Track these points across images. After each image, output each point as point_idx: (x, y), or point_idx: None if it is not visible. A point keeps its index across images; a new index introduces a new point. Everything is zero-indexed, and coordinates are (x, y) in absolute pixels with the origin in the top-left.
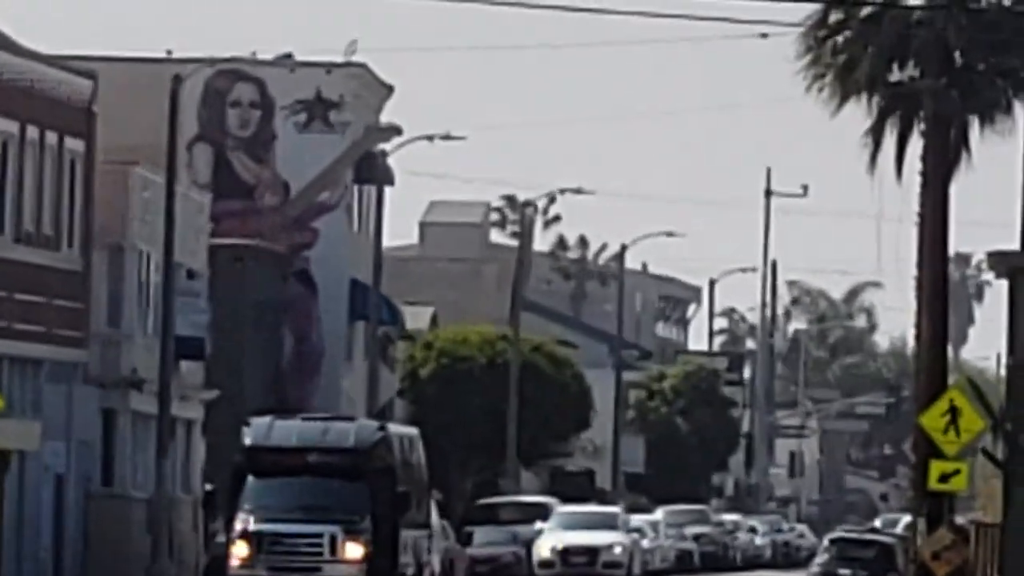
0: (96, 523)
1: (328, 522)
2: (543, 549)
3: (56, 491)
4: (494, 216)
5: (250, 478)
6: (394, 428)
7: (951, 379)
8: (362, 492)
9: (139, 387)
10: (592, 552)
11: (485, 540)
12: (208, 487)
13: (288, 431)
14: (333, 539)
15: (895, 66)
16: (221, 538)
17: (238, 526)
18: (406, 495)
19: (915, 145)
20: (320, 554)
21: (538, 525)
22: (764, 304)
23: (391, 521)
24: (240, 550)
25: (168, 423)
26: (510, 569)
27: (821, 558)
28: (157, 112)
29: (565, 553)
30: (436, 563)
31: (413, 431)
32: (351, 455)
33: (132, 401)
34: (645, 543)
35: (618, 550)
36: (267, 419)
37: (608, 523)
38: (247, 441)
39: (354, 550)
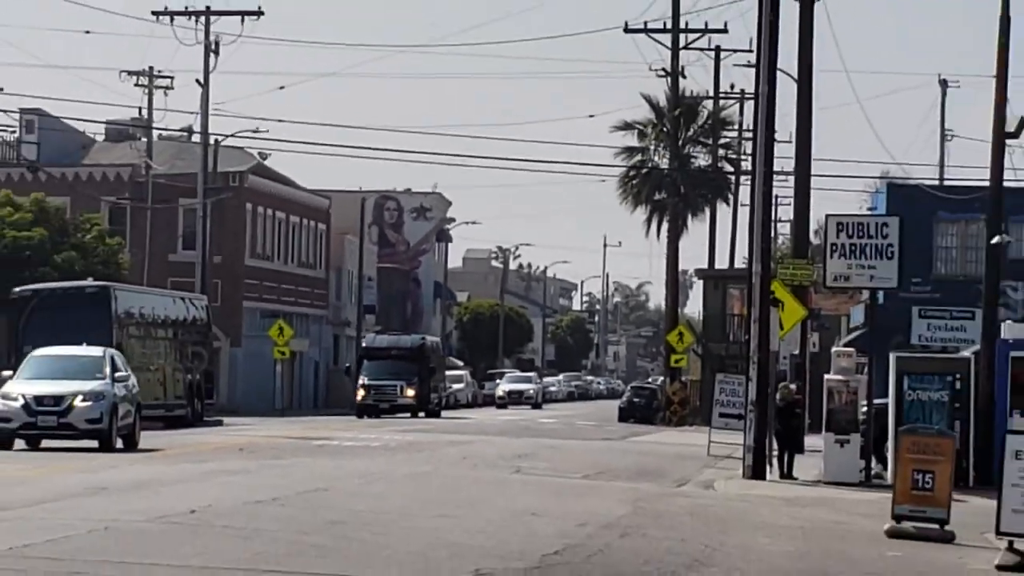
0: (328, 381)
1: (399, 379)
2: (499, 391)
3: (315, 368)
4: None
5: (365, 360)
6: (429, 338)
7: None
8: (413, 366)
9: (348, 325)
10: (519, 393)
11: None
12: (347, 365)
13: (382, 339)
14: (401, 387)
15: (656, 193)
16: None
17: (360, 382)
18: (433, 368)
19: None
20: (396, 393)
21: (497, 381)
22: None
23: (427, 379)
24: (361, 392)
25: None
26: (523, 394)
27: (626, 394)
28: (355, 213)
29: (510, 393)
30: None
31: (437, 339)
32: (409, 350)
33: (345, 332)
34: (552, 388)
35: (531, 391)
36: (373, 334)
37: (527, 379)
38: (364, 344)
39: (410, 392)
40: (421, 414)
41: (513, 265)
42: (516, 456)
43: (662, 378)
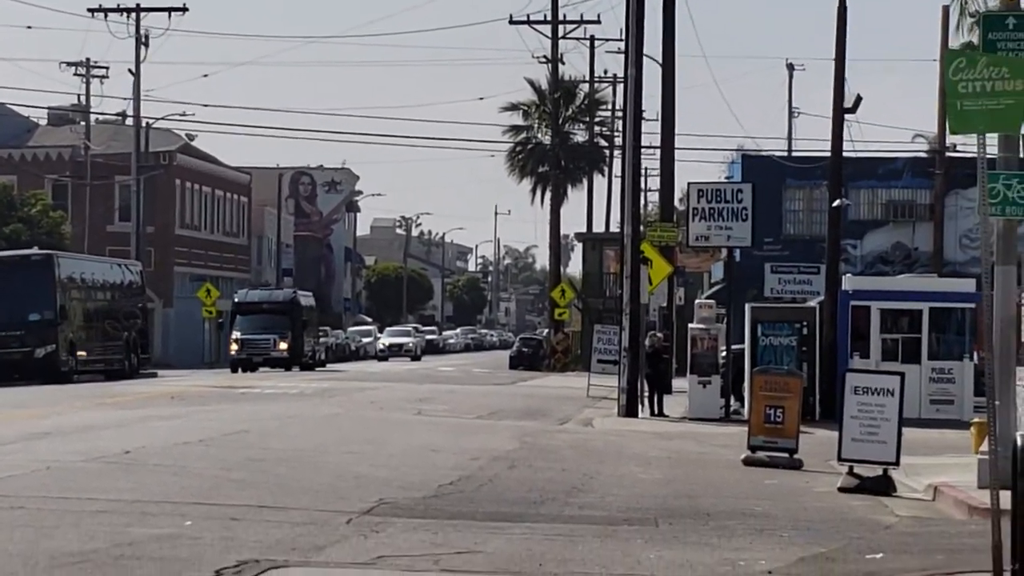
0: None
1: (271, 333)
2: (379, 344)
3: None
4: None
5: (238, 316)
6: (301, 292)
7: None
8: (285, 320)
9: (268, 287)
10: (399, 346)
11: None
12: (221, 320)
13: (254, 294)
14: (274, 340)
15: (540, 166)
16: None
17: (233, 336)
18: (306, 322)
19: (547, 194)
20: (269, 347)
21: (379, 335)
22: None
23: (300, 333)
24: (234, 347)
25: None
26: (403, 347)
27: (516, 345)
28: (274, 187)
29: (391, 346)
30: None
31: (309, 294)
32: (281, 304)
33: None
34: (451, 340)
35: (410, 344)
36: (246, 289)
37: (407, 333)
38: (236, 299)
39: (283, 345)
40: (295, 367)
41: (415, 232)
42: (418, 400)
43: (547, 330)
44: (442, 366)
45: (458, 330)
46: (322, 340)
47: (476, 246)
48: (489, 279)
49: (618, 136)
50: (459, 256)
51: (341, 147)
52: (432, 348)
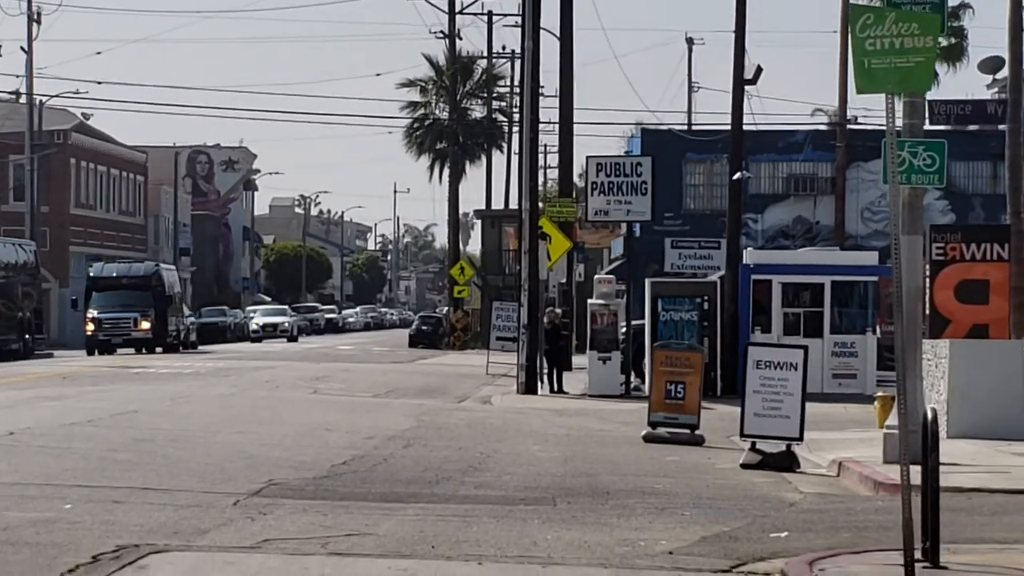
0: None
1: (132, 311)
2: (252, 324)
3: None
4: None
5: (93, 292)
6: (164, 266)
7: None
8: (147, 296)
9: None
10: (273, 326)
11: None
12: (74, 297)
13: (112, 268)
14: (135, 319)
15: (438, 142)
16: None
17: (89, 315)
18: (170, 298)
19: (446, 170)
20: (129, 326)
21: (251, 315)
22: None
23: (164, 311)
24: (91, 326)
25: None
26: (278, 327)
27: (415, 323)
28: (171, 166)
29: (264, 327)
30: (192, 333)
31: (173, 267)
32: (142, 279)
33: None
34: (351, 319)
35: (286, 324)
36: (102, 263)
37: (282, 312)
38: (91, 273)
39: (145, 324)
40: (158, 349)
41: (314, 211)
42: (314, 379)
43: (447, 308)
44: (341, 344)
45: (358, 309)
46: (190, 318)
47: (375, 224)
48: (389, 258)
49: (517, 112)
50: (359, 235)
51: (239, 125)
52: (332, 327)
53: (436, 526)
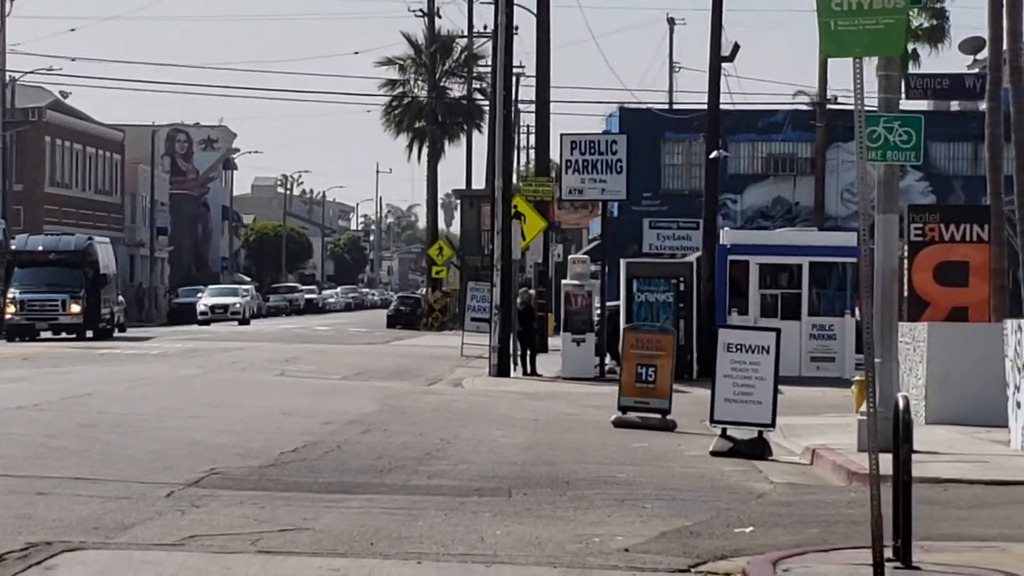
0: (125, 297)
1: (60, 291)
2: (200, 305)
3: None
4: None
5: (16, 268)
6: (98, 239)
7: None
8: (77, 275)
9: (143, 246)
10: (224, 307)
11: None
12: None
13: (37, 241)
14: (64, 301)
15: (417, 121)
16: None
17: (9, 295)
18: (104, 276)
19: (425, 150)
20: (57, 310)
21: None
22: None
23: (97, 292)
24: (11, 309)
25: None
26: (229, 308)
27: (393, 303)
28: (148, 146)
29: (214, 307)
30: (121, 315)
31: (106, 240)
32: (72, 254)
33: (140, 252)
34: (331, 300)
35: (238, 305)
36: (26, 235)
37: (233, 292)
38: (14, 247)
39: (75, 307)
40: (89, 334)
41: (297, 191)
42: (284, 360)
43: (425, 289)
44: (318, 325)
45: (338, 289)
46: (121, 302)
47: (357, 204)
48: (372, 238)
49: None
50: (341, 215)
51: (217, 103)
52: (311, 307)
53: (379, 520)
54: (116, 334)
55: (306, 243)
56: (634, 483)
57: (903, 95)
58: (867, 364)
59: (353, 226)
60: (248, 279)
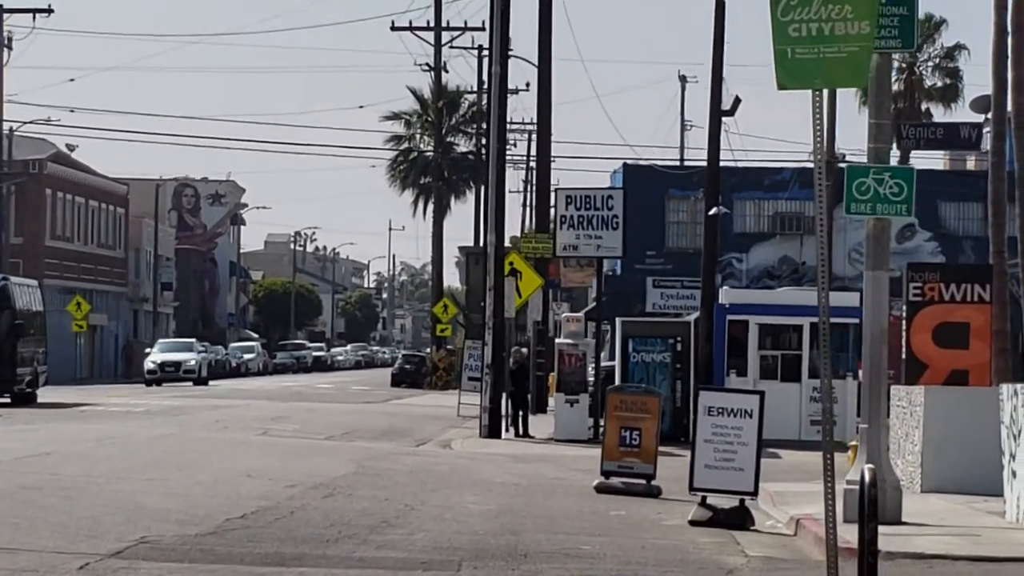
0: (127, 353)
1: None
2: (148, 363)
3: (115, 341)
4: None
5: None
6: (16, 280)
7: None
8: None
9: (146, 301)
10: (175, 364)
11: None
12: None
13: None
14: None
15: (422, 177)
16: None
17: None
18: (21, 325)
19: (431, 206)
20: None
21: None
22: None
23: (11, 342)
24: None
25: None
26: (181, 367)
27: (398, 361)
28: (152, 200)
29: (163, 365)
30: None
31: (33, 283)
32: None
33: (144, 307)
34: (340, 357)
35: (193, 362)
36: None
37: (188, 347)
38: None
39: None
40: (5, 396)
41: (310, 248)
42: (271, 419)
43: (429, 349)
44: (321, 383)
45: (348, 347)
46: (43, 356)
47: (369, 262)
48: (384, 295)
49: (509, 148)
50: (354, 272)
51: (223, 156)
52: (319, 365)
53: None
54: (33, 402)
55: (316, 300)
56: (597, 556)
57: (895, 145)
58: (860, 429)
59: (367, 284)
60: (256, 336)
